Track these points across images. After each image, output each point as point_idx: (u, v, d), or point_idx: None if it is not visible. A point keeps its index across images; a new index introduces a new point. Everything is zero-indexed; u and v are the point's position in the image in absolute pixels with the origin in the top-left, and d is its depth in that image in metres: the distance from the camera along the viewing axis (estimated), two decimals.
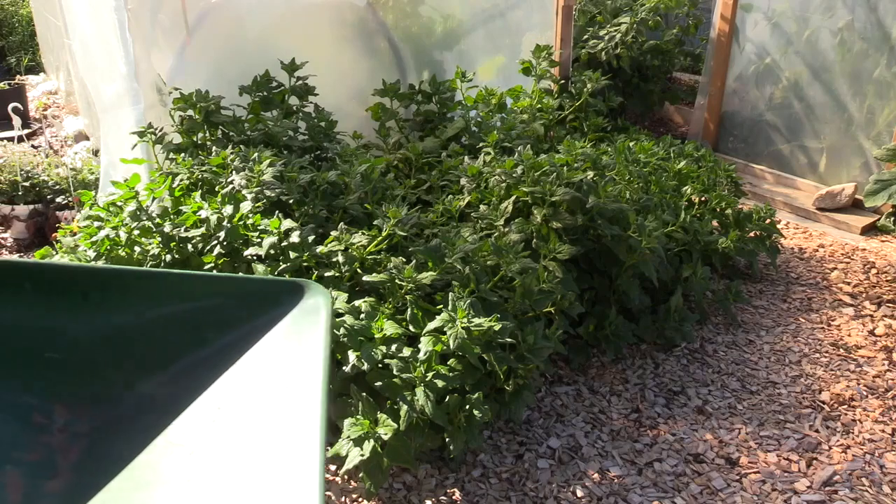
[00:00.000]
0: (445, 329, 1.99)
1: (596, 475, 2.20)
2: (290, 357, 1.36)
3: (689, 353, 2.84)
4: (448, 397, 2.05)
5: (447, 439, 2.04)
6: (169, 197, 2.71)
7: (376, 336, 2.03)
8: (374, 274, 2.20)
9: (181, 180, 2.72)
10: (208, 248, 2.46)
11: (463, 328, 1.96)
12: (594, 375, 2.69)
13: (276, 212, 2.44)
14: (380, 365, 2.03)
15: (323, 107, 3.38)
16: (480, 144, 3.28)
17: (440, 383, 1.96)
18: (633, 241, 2.59)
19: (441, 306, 2.14)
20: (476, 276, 2.23)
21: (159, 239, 2.49)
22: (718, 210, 3.32)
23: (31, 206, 3.50)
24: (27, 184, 3.56)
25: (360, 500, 2.07)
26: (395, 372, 1.99)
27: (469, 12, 4.24)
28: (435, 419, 1.96)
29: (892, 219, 3.96)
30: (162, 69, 3.17)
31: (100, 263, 1.88)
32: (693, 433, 2.39)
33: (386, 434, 1.91)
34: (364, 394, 2.00)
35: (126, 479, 1.27)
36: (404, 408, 1.93)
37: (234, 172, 2.63)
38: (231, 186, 2.59)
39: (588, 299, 2.71)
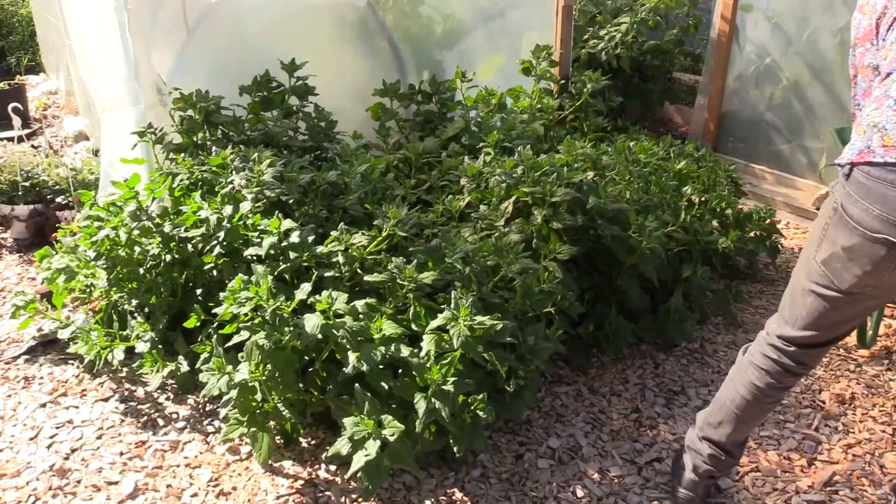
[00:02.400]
0: (448, 327, 1.98)
1: (596, 475, 2.20)
2: None
3: (689, 353, 2.84)
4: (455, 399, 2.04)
5: (451, 440, 2.04)
6: (169, 197, 2.71)
7: (375, 336, 2.03)
8: (374, 274, 2.20)
9: (181, 180, 2.72)
10: (208, 248, 2.46)
11: (466, 326, 1.96)
12: (594, 375, 2.68)
13: (276, 212, 2.44)
14: (380, 366, 2.02)
15: (323, 107, 3.38)
16: (480, 144, 3.28)
17: (452, 388, 1.95)
18: (633, 242, 2.59)
19: (443, 306, 2.14)
20: (476, 277, 2.23)
21: (159, 239, 2.49)
22: (718, 210, 3.32)
23: (31, 206, 3.50)
24: (27, 184, 3.56)
25: (359, 500, 2.07)
26: (413, 373, 1.98)
27: (469, 12, 4.24)
28: (449, 426, 1.95)
29: None
30: (162, 69, 3.17)
31: None
32: None
33: (392, 435, 1.91)
34: (368, 394, 2.00)
35: None
36: (420, 410, 1.92)
37: (234, 172, 2.63)
38: (231, 186, 2.59)
39: (588, 299, 2.71)
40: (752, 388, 1.83)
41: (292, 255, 2.29)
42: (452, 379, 1.96)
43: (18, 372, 2.64)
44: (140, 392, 2.54)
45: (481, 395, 2.03)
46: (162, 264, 2.53)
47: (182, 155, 2.88)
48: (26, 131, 4.82)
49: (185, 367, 2.48)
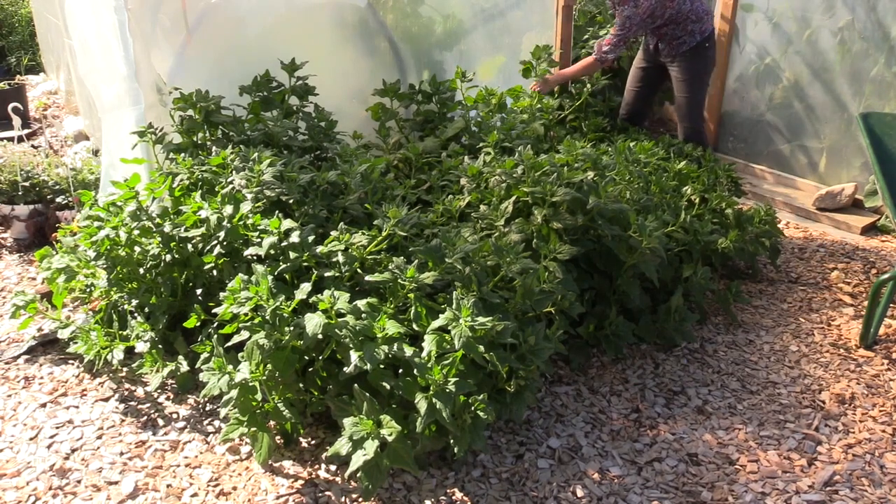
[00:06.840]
0: (450, 328, 1.98)
1: (596, 475, 2.20)
2: None
3: (689, 353, 2.84)
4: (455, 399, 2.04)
5: (450, 440, 2.04)
6: (169, 197, 2.71)
7: (378, 336, 2.03)
8: (375, 274, 2.20)
9: (181, 180, 2.72)
10: (208, 248, 2.46)
11: (468, 326, 1.96)
12: (594, 375, 2.69)
13: (276, 212, 2.44)
14: (381, 366, 2.02)
15: (323, 107, 3.38)
16: (480, 144, 3.28)
17: (454, 388, 1.95)
18: (633, 241, 2.59)
19: (443, 306, 2.14)
20: (477, 277, 2.23)
21: (159, 239, 2.49)
22: (718, 210, 3.32)
23: (31, 206, 3.50)
24: (27, 184, 3.56)
25: (360, 500, 2.07)
26: (415, 373, 1.98)
27: (469, 12, 4.24)
28: (450, 426, 1.95)
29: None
30: (162, 69, 3.17)
31: None
32: (693, 433, 2.39)
33: (390, 435, 1.91)
34: (367, 394, 2.00)
35: None
36: (422, 410, 1.92)
37: (234, 172, 2.63)
38: (231, 186, 2.59)
39: (588, 299, 2.71)
40: None
41: (292, 254, 2.29)
42: (454, 379, 1.96)
43: (18, 372, 2.64)
44: (140, 392, 2.54)
45: (482, 396, 2.03)
46: (162, 264, 2.53)
47: (182, 155, 2.89)
48: (26, 131, 4.82)
49: (184, 367, 2.48)
